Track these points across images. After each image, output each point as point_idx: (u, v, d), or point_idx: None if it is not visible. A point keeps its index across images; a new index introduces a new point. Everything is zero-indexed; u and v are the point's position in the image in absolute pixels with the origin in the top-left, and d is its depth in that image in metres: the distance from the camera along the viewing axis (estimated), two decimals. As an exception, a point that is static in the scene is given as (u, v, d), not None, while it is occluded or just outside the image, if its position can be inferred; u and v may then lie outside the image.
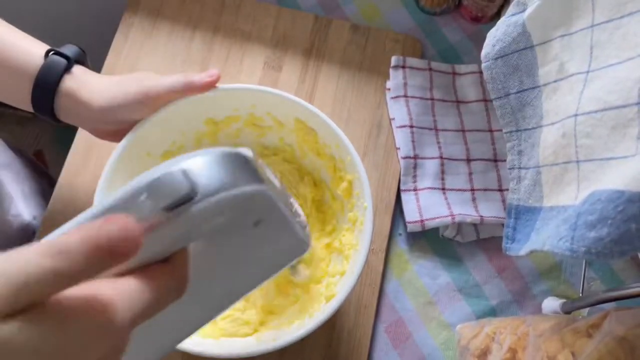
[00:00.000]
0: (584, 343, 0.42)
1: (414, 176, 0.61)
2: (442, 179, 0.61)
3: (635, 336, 0.40)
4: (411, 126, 0.62)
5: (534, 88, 0.45)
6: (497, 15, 0.66)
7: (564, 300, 0.53)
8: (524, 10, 0.44)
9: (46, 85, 0.47)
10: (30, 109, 0.49)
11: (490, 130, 0.63)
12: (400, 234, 0.60)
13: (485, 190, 0.61)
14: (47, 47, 0.49)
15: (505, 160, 0.49)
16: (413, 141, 0.61)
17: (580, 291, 0.56)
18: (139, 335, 0.24)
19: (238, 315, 0.51)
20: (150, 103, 0.49)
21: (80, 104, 0.48)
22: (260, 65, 0.65)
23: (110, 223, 0.21)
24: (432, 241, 0.60)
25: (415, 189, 0.60)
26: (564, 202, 0.40)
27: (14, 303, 0.19)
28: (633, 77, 0.33)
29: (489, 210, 0.59)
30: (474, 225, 0.59)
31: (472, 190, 0.61)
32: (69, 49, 0.49)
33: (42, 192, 0.67)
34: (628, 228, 0.31)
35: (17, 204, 0.59)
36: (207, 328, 0.50)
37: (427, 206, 0.59)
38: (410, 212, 0.59)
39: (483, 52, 0.47)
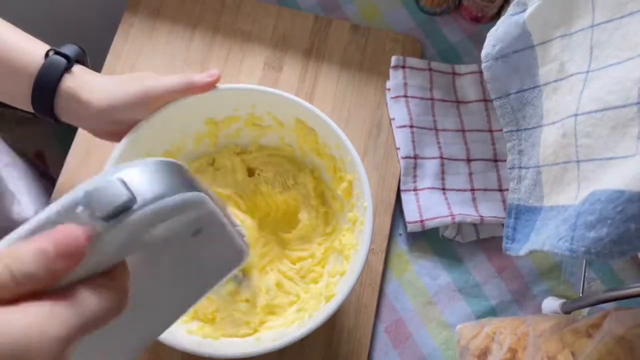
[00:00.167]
0: (584, 343, 0.42)
1: (414, 176, 0.61)
2: (442, 179, 0.61)
3: (635, 336, 0.40)
4: (411, 126, 0.62)
5: (534, 88, 0.45)
6: (497, 15, 0.66)
7: (564, 300, 0.53)
8: (524, 10, 0.44)
9: (46, 85, 0.47)
10: (30, 109, 0.49)
11: (491, 130, 0.63)
12: (400, 234, 0.60)
13: (485, 190, 0.61)
14: (47, 47, 0.49)
15: (505, 160, 0.49)
16: (413, 141, 0.61)
17: (580, 291, 0.56)
18: (85, 351, 0.24)
19: (239, 316, 0.51)
20: (151, 103, 0.49)
21: (80, 103, 0.47)
22: (260, 65, 0.65)
23: (56, 232, 0.22)
24: (432, 241, 0.60)
25: (415, 189, 0.60)
26: (564, 202, 0.40)
27: None
28: (633, 77, 0.33)
29: (489, 210, 0.59)
30: (474, 225, 0.59)
31: (472, 190, 0.61)
32: (69, 49, 0.49)
33: (43, 192, 0.67)
34: (627, 228, 0.31)
35: (20, 202, 0.59)
36: (207, 328, 0.50)
37: (427, 206, 0.59)
38: (410, 212, 0.59)
39: (483, 52, 0.47)
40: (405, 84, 0.63)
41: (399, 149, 0.62)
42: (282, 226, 0.57)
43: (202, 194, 0.27)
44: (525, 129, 0.46)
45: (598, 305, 0.50)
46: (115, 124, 0.49)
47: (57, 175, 0.60)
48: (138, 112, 0.49)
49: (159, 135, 0.51)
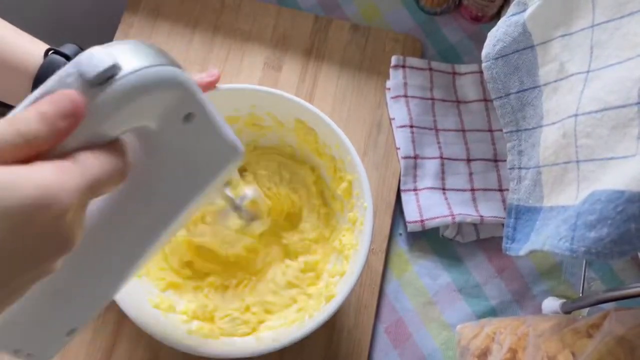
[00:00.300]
0: (584, 343, 0.42)
1: (414, 176, 0.61)
2: (442, 179, 0.61)
3: (635, 336, 0.40)
4: (411, 126, 0.62)
5: (534, 88, 0.45)
6: (497, 15, 0.66)
7: (564, 300, 0.53)
8: (524, 10, 0.44)
9: None
10: (30, 109, 0.49)
11: (491, 130, 0.63)
12: (400, 234, 0.60)
13: (485, 190, 0.61)
14: (47, 47, 0.49)
15: (505, 160, 0.49)
16: (413, 141, 0.61)
17: (580, 291, 0.56)
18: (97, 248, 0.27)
19: (237, 315, 0.51)
20: None
21: (80, 103, 0.47)
22: (260, 65, 0.65)
23: (52, 95, 0.25)
24: (432, 241, 0.60)
25: (415, 189, 0.60)
26: (564, 202, 0.40)
27: None
28: (633, 77, 0.33)
29: (489, 210, 0.59)
30: (474, 225, 0.59)
31: (472, 190, 0.61)
32: (69, 48, 0.49)
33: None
34: (628, 228, 0.31)
35: None
36: (207, 328, 0.50)
37: (427, 206, 0.59)
38: (411, 212, 0.59)
39: (484, 52, 0.47)
40: (405, 84, 0.63)
41: (399, 148, 0.61)
42: (284, 225, 0.57)
43: (184, 72, 0.29)
44: (526, 130, 0.46)
45: (598, 305, 0.50)
46: (115, 123, 0.49)
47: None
48: None
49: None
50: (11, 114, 0.26)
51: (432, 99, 0.63)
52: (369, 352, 0.56)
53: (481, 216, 0.58)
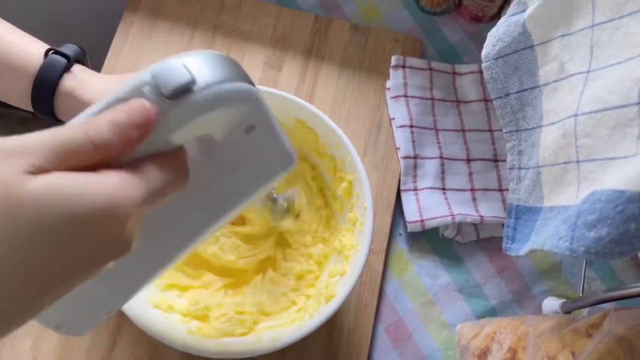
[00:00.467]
0: (583, 343, 0.42)
1: (414, 176, 0.61)
2: (442, 178, 0.61)
3: (635, 336, 0.40)
4: (411, 126, 0.62)
5: (534, 88, 0.45)
6: (497, 15, 0.66)
7: (564, 300, 0.53)
8: (524, 10, 0.44)
9: (46, 84, 0.47)
10: (30, 109, 0.49)
11: (491, 130, 0.63)
12: (400, 234, 0.60)
13: (485, 190, 0.61)
14: (47, 47, 0.49)
15: (505, 160, 0.49)
16: (413, 141, 0.61)
17: (580, 291, 0.56)
18: (147, 239, 0.27)
19: (232, 315, 0.51)
20: None
21: (80, 103, 0.47)
22: (260, 65, 0.65)
23: (128, 104, 0.25)
24: (432, 241, 0.60)
25: (415, 189, 0.60)
26: (564, 202, 0.40)
27: (52, 162, 0.23)
28: (633, 77, 0.33)
29: (489, 210, 0.59)
30: (474, 225, 0.59)
31: (472, 190, 0.61)
32: (69, 48, 0.49)
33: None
34: (627, 228, 0.31)
35: None
36: (206, 328, 0.50)
37: (427, 206, 0.59)
38: (410, 212, 0.59)
39: (483, 52, 0.47)
40: (405, 84, 0.63)
41: (399, 148, 0.62)
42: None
43: (255, 89, 0.29)
44: (525, 130, 0.46)
45: (598, 305, 0.50)
46: (115, 123, 0.49)
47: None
48: None
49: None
50: (82, 117, 0.27)
51: (432, 99, 0.63)
52: (369, 352, 0.56)
53: (481, 216, 0.58)
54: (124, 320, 0.55)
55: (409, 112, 0.62)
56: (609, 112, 0.35)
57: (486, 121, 0.63)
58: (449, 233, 0.59)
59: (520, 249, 0.44)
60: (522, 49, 0.45)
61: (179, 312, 0.51)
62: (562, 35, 0.41)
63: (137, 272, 0.33)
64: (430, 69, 0.64)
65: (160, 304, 0.50)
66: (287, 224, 0.52)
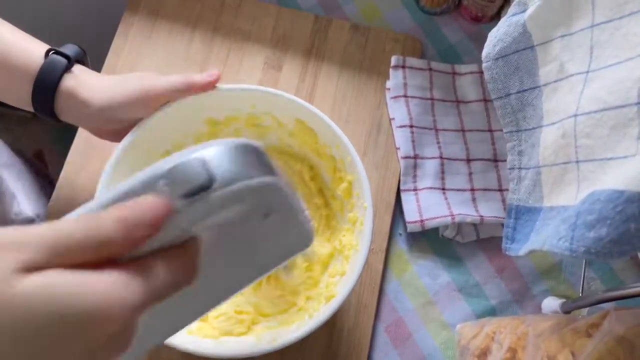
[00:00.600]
0: (583, 343, 0.42)
1: (414, 176, 0.61)
2: (442, 178, 0.61)
3: (635, 335, 0.40)
4: (411, 126, 0.62)
5: (534, 88, 0.45)
6: (497, 15, 0.66)
7: (563, 300, 0.53)
8: (524, 11, 0.44)
9: (46, 84, 0.47)
10: (31, 109, 0.49)
11: (490, 130, 0.63)
12: (400, 234, 0.60)
13: (485, 190, 0.61)
14: (47, 47, 0.49)
15: (505, 160, 0.49)
16: (413, 141, 0.61)
17: (580, 291, 0.56)
18: (145, 319, 0.25)
19: (231, 314, 0.51)
20: (151, 103, 0.49)
21: (81, 103, 0.48)
22: (260, 65, 0.65)
23: (137, 202, 0.23)
24: (432, 241, 0.60)
25: (415, 189, 0.60)
26: (564, 202, 0.40)
27: (50, 259, 0.22)
28: (633, 77, 0.33)
29: (489, 210, 0.59)
30: (474, 225, 0.59)
31: (472, 190, 0.61)
32: (69, 49, 0.49)
33: (43, 192, 0.67)
34: (627, 228, 0.31)
35: (19, 202, 0.59)
36: (205, 328, 0.50)
37: (427, 206, 0.59)
38: (410, 212, 0.59)
39: (484, 52, 0.47)
40: (405, 84, 0.63)
41: (398, 148, 0.62)
42: None
43: (277, 180, 0.28)
44: (525, 130, 0.46)
45: (598, 305, 0.50)
46: (115, 123, 0.49)
47: (57, 175, 0.60)
48: (138, 111, 0.49)
49: (159, 135, 0.51)
50: (88, 207, 0.25)
51: (432, 99, 0.64)
52: (369, 352, 0.56)
53: (481, 216, 0.58)
54: (124, 320, 0.55)
55: (408, 112, 0.62)
56: (609, 112, 0.35)
57: (486, 121, 0.63)
58: (448, 233, 0.59)
59: (520, 249, 0.44)
60: (523, 49, 0.45)
61: None
62: (562, 36, 0.41)
63: (137, 348, 0.31)
64: (430, 69, 0.64)
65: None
66: (294, 277, 0.52)
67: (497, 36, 0.46)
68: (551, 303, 0.54)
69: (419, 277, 0.59)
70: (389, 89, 0.64)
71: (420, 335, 0.57)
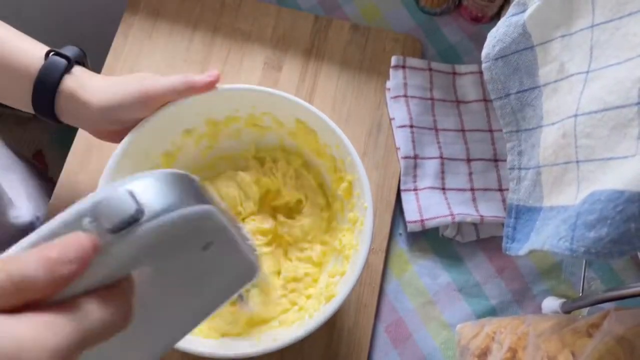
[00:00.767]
0: (584, 343, 0.42)
1: (414, 176, 0.61)
2: (442, 178, 0.61)
3: (635, 335, 0.40)
4: (411, 126, 0.62)
5: (534, 88, 0.45)
6: (497, 15, 0.66)
7: (564, 300, 0.53)
8: (524, 11, 0.44)
9: (46, 86, 0.47)
10: (31, 110, 0.49)
11: (491, 130, 0.63)
12: (400, 234, 0.60)
13: (485, 190, 0.61)
14: (47, 48, 0.49)
15: (505, 160, 0.49)
16: (413, 141, 0.61)
17: (580, 291, 0.56)
18: None
19: (227, 314, 0.51)
20: (151, 103, 0.49)
21: (81, 104, 0.48)
22: (260, 65, 0.65)
23: (62, 239, 0.22)
24: (432, 241, 0.60)
25: (415, 189, 0.60)
26: (564, 202, 0.40)
27: None
28: (633, 77, 0.33)
29: (489, 210, 0.59)
30: (474, 225, 0.59)
31: (472, 190, 0.61)
32: (69, 50, 0.49)
33: (42, 193, 0.67)
34: (627, 228, 0.31)
35: (17, 205, 0.59)
36: (205, 328, 0.50)
37: (427, 206, 0.59)
38: (410, 212, 0.59)
39: (483, 53, 0.47)
40: (405, 84, 0.63)
41: (399, 148, 0.62)
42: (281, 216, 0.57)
43: (211, 207, 0.27)
44: (525, 130, 0.46)
45: (598, 305, 0.50)
46: (115, 124, 0.49)
47: (57, 176, 0.60)
48: (138, 112, 0.49)
49: (159, 135, 0.51)
50: (6, 253, 0.23)
51: (432, 99, 0.64)
52: (369, 352, 0.56)
53: (481, 216, 0.58)
54: (124, 321, 0.55)
55: (409, 112, 0.62)
56: (609, 112, 0.35)
57: (486, 121, 0.63)
58: (449, 233, 0.59)
59: (520, 248, 0.44)
60: (522, 50, 0.45)
61: None
62: (562, 36, 0.41)
63: None
64: (430, 69, 0.64)
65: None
66: (251, 305, 0.51)
67: (497, 36, 0.46)
68: (551, 303, 0.54)
69: (419, 277, 0.59)
70: (389, 89, 0.64)
71: (420, 335, 0.57)
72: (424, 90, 0.63)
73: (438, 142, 0.62)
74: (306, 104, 0.51)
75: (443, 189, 0.60)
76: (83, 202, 0.23)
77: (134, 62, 0.65)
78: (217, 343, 0.49)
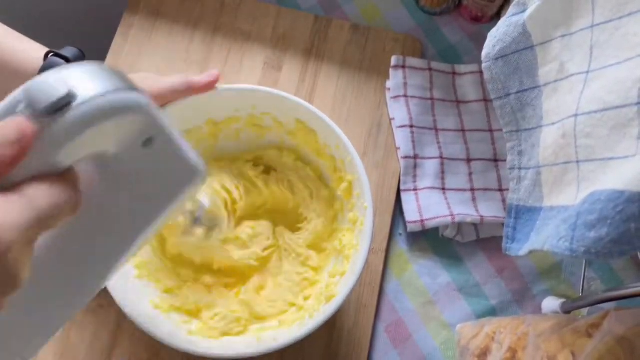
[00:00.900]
0: (583, 343, 0.42)
1: (414, 176, 0.61)
2: (442, 178, 0.61)
3: (635, 336, 0.40)
4: (411, 126, 0.62)
5: (534, 88, 0.45)
6: (497, 15, 0.66)
7: (564, 300, 0.53)
8: (524, 11, 0.44)
9: None
10: (30, 110, 0.49)
11: (491, 130, 0.63)
12: (400, 234, 0.60)
13: (485, 190, 0.61)
14: (46, 49, 0.49)
15: (505, 160, 0.49)
16: (413, 141, 0.61)
17: (580, 291, 0.56)
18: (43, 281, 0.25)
19: (226, 314, 0.51)
20: None
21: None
22: (260, 65, 0.65)
23: (2, 124, 0.23)
24: (432, 241, 0.60)
25: (415, 189, 0.60)
26: (564, 202, 0.40)
27: None
28: (633, 77, 0.33)
29: (489, 210, 0.59)
30: (474, 225, 0.59)
31: (472, 190, 0.61)
32: (69, 51, 0.49)
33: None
34: (627, 228, 0.31)
35: None
36: (206, 328, 0.50)
37: (427, 206, 0.59)
38: (410, 212, 0.59)
39: (484, 53, 0.47)
40: (405, 84, 0.63)
41: (399, 148, 0.62)
42: (282, 220, 0.57)
43: (145, 98, 0.27)
44: (525, 130, 0.46)
45: (598, 305, 0.50)
46: (115, 124, 0.49)
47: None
48: None
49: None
50: None
51: (432, 99, 0.64)
52: (369, 352, 0.56)
53: (481, 216, 0.58)
54: (124, 320, 0.55)
55: (409, 112, 0.62)
56: (609, 112, 0.35)
57: (486, 121, 0.63)
58: (449, 233, 0.59)
59: (520, 248, 0.44)
60: (522, 50, 0.45)
61: (178, 312, 0.51)
62: (562, 36, 0.41)
63: (44, 314, 0.29)
64: (430, 69, 0.64)
65: (161, 305, 0.50)
66: (219, 233, 0.50)
67: (497, 36, 0.46)
68: (551, 303, 0.54)
69: (419, 276, 0.59)
70: (389, 88, 0.64)
71: (420, 335, 0.57)
72: (424, 90, 0.63)
73: (438, 142, 0.62)
74: (306, 104, 0.51)
75: (443, 189, 0.60)
76: (17, 90, 0.24)
77: (134, 62, 0.65)
78: (218, 343, 0.49)
